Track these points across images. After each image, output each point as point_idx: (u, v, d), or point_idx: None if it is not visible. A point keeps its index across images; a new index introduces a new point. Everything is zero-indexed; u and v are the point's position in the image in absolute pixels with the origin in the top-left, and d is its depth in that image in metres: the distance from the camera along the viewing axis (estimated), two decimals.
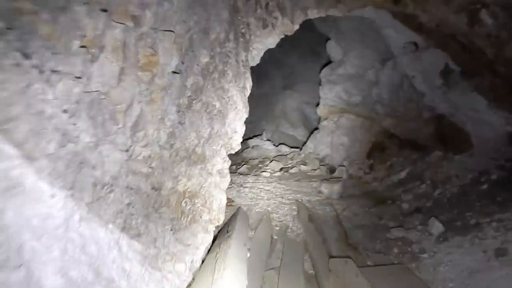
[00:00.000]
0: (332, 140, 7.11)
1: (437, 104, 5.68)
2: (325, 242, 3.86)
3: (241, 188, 5.50)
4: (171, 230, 2.45)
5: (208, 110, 2.83)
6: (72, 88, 1.57)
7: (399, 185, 5.23)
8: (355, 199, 5.12)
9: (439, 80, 5.55)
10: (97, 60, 1.76)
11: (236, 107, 3.04)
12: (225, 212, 4.47)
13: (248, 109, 3.16)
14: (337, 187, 5.29)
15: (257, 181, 6.01)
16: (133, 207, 2.12)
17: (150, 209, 2.36)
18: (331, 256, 3.42)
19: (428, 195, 4.62)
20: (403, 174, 5.43)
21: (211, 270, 2.42)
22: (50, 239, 1.49)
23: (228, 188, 5.21)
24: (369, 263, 3.54)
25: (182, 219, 2.63)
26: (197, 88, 2.73)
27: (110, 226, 1.84)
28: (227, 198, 4.86)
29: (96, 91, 1.73)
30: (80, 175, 1.61)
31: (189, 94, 2.66)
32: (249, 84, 3.25)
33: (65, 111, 1.52)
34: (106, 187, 1.81)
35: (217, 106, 2.89)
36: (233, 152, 3.09)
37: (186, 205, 2.68)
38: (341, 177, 5.96)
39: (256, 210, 4.75)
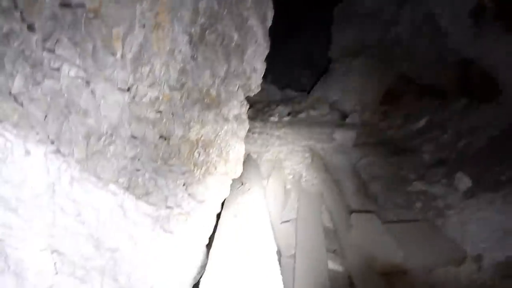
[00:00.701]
0: (344, 84, 6.56)
1: (463, 47, 5.08)
2: (343, 194, 3.52)
3: (249, 133, 5.07)
4: (183, 185, 2.04)
5: (224, 43, 2.29)
6: None
7: (418, 135, 4.81)
8: (371, 148, 4.72)
9: (468, 19, 4.92)
10: None
11: (256, 41, 2.49)
12: None
13: (269, 44, 2.61)
14: (351, 134, 4.88)
15: (265, 126, 5.56)
16: (139, 160, 1.69)
17: (159, 161, 1.93)
18: (352, 211, 3.09)
19: (451, 146, 4.22)
20: (422, 123, 4.99)
21: (234, 236, 2.06)
22: (30, 210, 1.07)
23: None
24: (390, 216, 3.24)
25: (195, 171, 2.22)
26: (212, 14, 2.17)
27: (112, 186, 1.42)
28: None
29: (81, 5, 1.20)
30: (67, 123, 1.15)
31: (202, 21, 2.11)
32: (270, 12, 2.67)
33: (31, 28, 1.00)
34: (103, 138, 1.36)
35: (234, 39, 2.35)
36: (252, 95, 2.60)
37: (199, 156, 2.25)
38: (355, 123, 5.52)
39: (267, 157, 4.37)
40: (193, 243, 1.97)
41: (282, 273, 2.05)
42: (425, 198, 3.45)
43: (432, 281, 2.50)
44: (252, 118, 6.11)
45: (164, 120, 1.94)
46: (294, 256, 2.58)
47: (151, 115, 1.78)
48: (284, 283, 1.91)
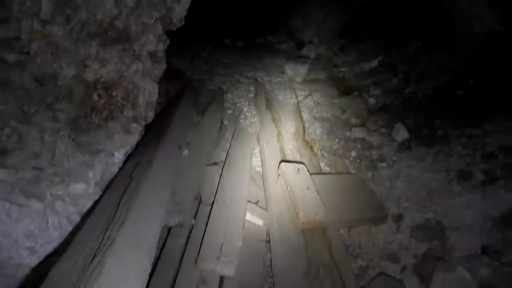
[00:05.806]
0: (306, 12, 5.89)
1: None
2: (280, 135, 3.27)
3: (195, 58, 4.52)
4: (69, 136, 1.66)
5: None
6: None
7: (369, 75, 4.51)
8: (319, 85, 4.39)
9: None
10: None
11: None
12: (174, 84, 3.65)
13: None
14: (303, 70, 4.47)
15: (215, 51, 4.99)
16: None
17: (32, 108, 1.51)
18: (283, 160, 2.84)
19: (398, 91, 3.99)
20: (375, 63, 4.65)
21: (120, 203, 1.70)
22: None
23: (179, 57, 4.26)
24: (323, 164, 3.07)
25: (93, 116, 1.83)
26: None
27: None
28: (178, 71, 3.96)
29: None
30: None
31: None
32: None
33: None
34: None
35: None
36: (174, 29, 2.10)
37: (99, 99, 1.84)
38: (309, 57, 5.06)
39: (209, 87, 3.94)
40: (72, 209, 1.63)
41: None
42: (362, 146, 3.29)
43: (349, 241, 2.42)
44: (203, 41, 5.45)
45: (39, 60, 1.48)
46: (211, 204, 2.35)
47: (11, 57, 1.32)
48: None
